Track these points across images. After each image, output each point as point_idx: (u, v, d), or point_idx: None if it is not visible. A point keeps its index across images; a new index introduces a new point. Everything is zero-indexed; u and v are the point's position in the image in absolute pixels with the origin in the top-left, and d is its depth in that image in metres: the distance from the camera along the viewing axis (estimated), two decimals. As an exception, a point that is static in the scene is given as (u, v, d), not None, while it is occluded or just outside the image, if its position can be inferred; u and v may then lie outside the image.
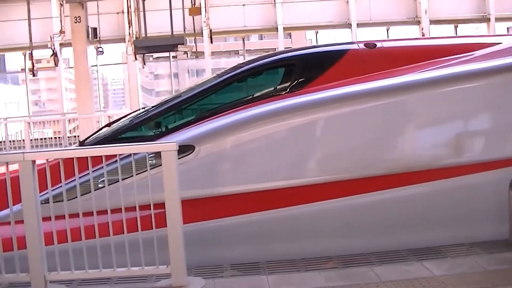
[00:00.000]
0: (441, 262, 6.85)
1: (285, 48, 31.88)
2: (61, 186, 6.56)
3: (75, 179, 6.53)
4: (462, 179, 7.78)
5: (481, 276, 6.25)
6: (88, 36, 27.15)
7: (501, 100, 8.06)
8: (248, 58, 22.17)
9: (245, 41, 34.90)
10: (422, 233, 7.72)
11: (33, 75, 30.29)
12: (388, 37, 30.81)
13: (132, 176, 6.64)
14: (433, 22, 32.17)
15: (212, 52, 33.89)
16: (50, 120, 30.36)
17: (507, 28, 33.74)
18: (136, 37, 27.80)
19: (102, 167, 6.53)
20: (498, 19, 31.96)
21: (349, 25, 32.33)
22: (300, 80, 8.54)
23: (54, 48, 29.65)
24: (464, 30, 32.85)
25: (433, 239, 7.61)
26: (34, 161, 6.32)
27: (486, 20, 32.40)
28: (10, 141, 25.73)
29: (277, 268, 7.08)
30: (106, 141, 8.34)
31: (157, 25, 27.67)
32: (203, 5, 29.88)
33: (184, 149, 7.47)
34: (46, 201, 6.57)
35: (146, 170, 6.66)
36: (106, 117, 26.50)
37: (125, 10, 30.06)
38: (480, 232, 7.65)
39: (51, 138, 27.38)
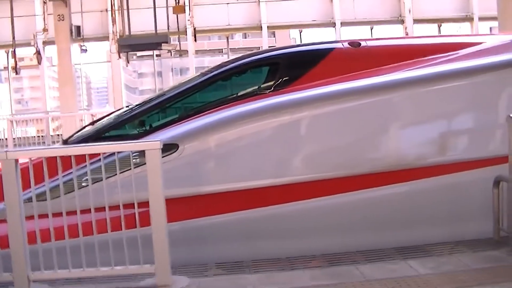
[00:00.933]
0: (426, 260, 6.84)
1: (269, 46, 31.90)
2: (44, 185, 6.52)
3: (58, 178, 6.48)
4: (447, 178, 7.79)
5: (466, 274, 6.26)
6: (71, 34, 27.15)
7: (485, 99, 8.09)
8: (232, 56, 22.18)
9: (229, 40, 34.97)
10: (407, 231, 7.72)
11: (16, 73, 30.20)
12: (372, 36, 30.86)
13: (116, 174, 6.61)
14: (417, 21, 32.31)
15: (196, 50, 33.93)
16: (33, 118, 30.29)
17: (490, 28, 33.83)
18: (119, 36, 27.81)
19: (86, 165, 6.49)
20: (481, 19, 32.11)
21: (333, 24, 32.42)
22: (284, 78, 8.53)
23: (37, 46, 29.54)
24: (447, 30, 32.97)
25: (418, 237, 7.61)
26: (17, 160, 6.26)
27: (470, 19, 32.58)
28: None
29: (262, 267, 7.06)
30: (89, 139, 8.30)
31: (141, 23, 27.68)
32: (187, 3, 29.90)
33: (168, 147, 7.44)
34: (30, 200, 6.52)
35: (130, 169, 6.62)
36: (89, 115, 26.49)
37: (109, 8, 30.08)
38: (465, 231, 7.67)
39: (34, 136, 27.30)
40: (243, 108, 8.01)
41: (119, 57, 28.84)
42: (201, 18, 30.93)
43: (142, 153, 6.60)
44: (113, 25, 29.37)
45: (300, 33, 33.67)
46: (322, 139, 7.96)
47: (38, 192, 6.61)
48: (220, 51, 44.17)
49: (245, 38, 59.48)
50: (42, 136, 27.35)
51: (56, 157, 6.45)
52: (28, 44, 29.92)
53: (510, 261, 6.66)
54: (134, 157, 6.92)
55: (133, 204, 6.34)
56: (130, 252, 6.33)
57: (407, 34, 31.29)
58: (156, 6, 27.03)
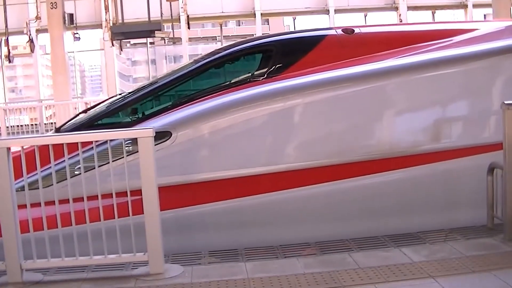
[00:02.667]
0: (419, 248, 6.83)
1: (262, 34, 31.84)
2: (36, 173, 6.48)
3: (51, 166, 6.45)
4: (441, 165, 7.80)
5: (459, 262, 6.25)
6: (64, 22, 27.04)
7: (480, 86, 8.09)
8: (226, 44, 22.17)
9: (222, 27, 34.88)
10: (401, 219, 7.72)
11: (9, 62, 30.12)
12: (366, 23, 30.82)
13: (109, 162, 6.58)
14: (411, 8, 32.32)
15: (189, 38, 33.89)
16: (27, 107, 30.19)
17: (484, 15, 33.85)
18: (113, 23, 27.71)
19: (78, 154, 6.46)
20: (475, 6, 32.17)
21: (327, 11, 32.40)
22: (278, 65, 8.51)
23: (30, 34, 29.43)
24: (441, 17, 32.95)
25: (411, 225, 7.61)
26: (9, 148, 6.22)
27: (464, 6, 32.61)
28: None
29: (255, 255, 7.05)
30: (82, 127, 8.28)
31: (134, 11, 27.63)
32: (180, -10, 29.78)
33: (161, 135, 7.43)
34: (22, 188, 6.49)
35: (123, 157, 6.59)
36: (83, 103, 26.41)
37: (102, -4, 29.95)
38: (459, 218, 7.67)
39: (28, 125, 27.24)
40: (236, 96, 7.99)
41: (113, 44, 28.75)
42: (194, 5, 30.85)
43: (134, 141, 6.58)
44: (106, 12, 29.29)
45: (293, 20, 33.63)
46: (315, 126, 7.95)
47: (30, 180, 6.58)
48: (213, 38, 44.06)
49: (239, 25, 59.35)
50: (35, 124, 27.29)
51: (48, 145, 6.41)
52: (21, 32, 29.79)
53: (503, 248, 6.65)
54: (126, 145, 6.89)
55: (126, 192, 6.32)
56: (123, 240, 6.31)
57: (401, 21, 31.26)
58: (149, -7, 26.99)
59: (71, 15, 27.72)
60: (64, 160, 6.44)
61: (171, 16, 29.44)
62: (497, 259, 6.28)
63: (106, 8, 29.18)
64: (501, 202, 7.16)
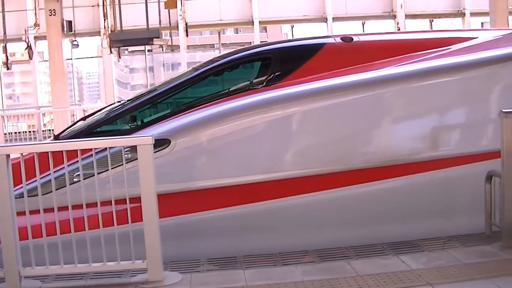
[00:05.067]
0: (418, 255, 6.85)
1: (260, 42, 31.87)
2: (35, 180, 6.49)
3: (50, 174, 6.46)
4: (440, 173, 7.81)
5: (458, 269, 6.26)
6: (63, 29, 27.07)
7: (478, 94, 8.11)
8: (224, 51, 22.17)
9: (220, 35, 34.91)
10: (399, 226, 7.73)
11: (7, 69, 30.05)
12: (364, 31, 30.87)
13: (108, 170, 6.59)
14: (409, 16, 32.34)
15: (187, 45, 33.84)
16: (25, 113, 30.24)
17: (482, 23, 33.90)
18: (111, 31, 27.73)
19: (78, 161, 6.47)
20: (473, 14, 32.19)
21: (325, 19, 32.40)
22: (276, 73, 8.52)
23: (29, 41, 29.39)
24: (439, 25, 32.99)
25: (410, 232, 7.62)
26: (8, 155, 6.24)
27: (461, 14, 32.61)
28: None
29: (254, 262, 7.06)
30: (81, 135, 8.28)
31: (133, 18, 27.62)
32: (178, -2, 29.80)
33: (160, 143, 7.44)
34: (21, 195, 6.50)
35: (122, 164, 6.60)
36: (81, 110, 26.43)
37: (100, 3, 30.01)
38: (457, 226, 7.68)
39: (26, 132, 27.25)
40: (235, 104, 8.00)
41: (111, 52, 28.77)
42: (192, 13, 30.85)
43: (134, 149, 6.59)
44: (104, 20, 29.28)
45: (291, 28, 33.65)
46: (314, 134, 7.96)
47: (30, 187, 6.59)
48: (211, 46, 44.12)
49: (237, 33, 59.41)
50: (33, 131, 27.30)
51: (47, 152, 6.42)
52: (19, 39, 29.76)
53: (502, 256, 6.67)
54: (126, 153, 6.90)
55: (125, 199, 6.33)
56: (122, 247, 6.31)
57: (399, 29, 31.29)
58: (147, 1, 27.00)
59: (69, 22, 27.75)
60: (63, 167, 6.46)
61: (170, 24, 29.42)
62: (496, 267, 6.30)
63: (105, 15, 29.18)
64: (499, 210, 7.17)
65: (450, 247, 7.11)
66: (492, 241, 7.17)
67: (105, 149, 6.60)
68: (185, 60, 32.90)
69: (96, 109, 10.48)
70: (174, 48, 32.13)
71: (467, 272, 6.17)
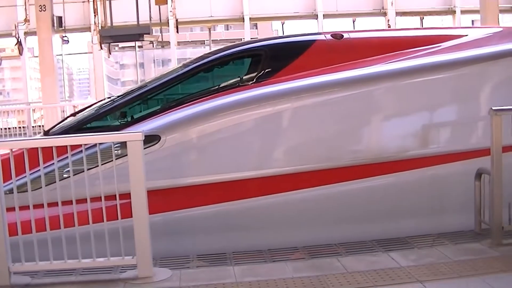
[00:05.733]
0: (407, 253, 6.87)
1: (251, 38, 31.85)
2: (25, 176, 6.47)
3: (39, 169, 6.44)
4: (429, 170, 7.83)
5: (447, 266, 6.28)
6: (53, 25, 26.98)
7: (468, 92, 8.12)
8: (214, 48, 22.18)
9: (211, 31, 34.83)
10: (389, 223, 7.74)
11: (-2, 64, 29.97)
12: (354, 29, 30.87)
13: (98, 166, 6.58)
14: (399, 13, 32.34)
15: (178, 42, 33.82)
16: (15, 109, 30.13)
17: (472, 21, 33.96)
18: (101, 26, 27.65)
19: (67, 157, 6.45)
20: (463, 12, 32.25)
21: (315, 16, 32.37)
22: (266, 70, 8.52)
23: (19, 37, 29.33)
24: (430, 22, 33.03)
25: (399, 230, 7.63)
26: (-3, 151, 6.23)
27: (452, 12, 32.65)
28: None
29: (243, 259, 7.06)
30: (71, 130, 8.26)
31: (123, 14, 27.50)
32: (169, -6, 29.74)
33: (150, 139, 7.43)
34: (10, 191, 6.48)
35: (112, 160, 6.59)
36: (71, 106, 26.38)
37: (91, -1, 29.88)
38: (447, 223, 7.70)
39: (15, 127, 27.17)
40: (225, 100, 8.00)
41: (101, 48, 28.68)
42: (183, 9, 30.81)
43: (123, 145, 6.58)
44: (95, 16, 29.19)
45: (282, 25, 33.62)
46: (304, 131, 7.96)
47: (19, 183, 6.57)
48: (202, 42, 44.06)
49: (227, 29, 59.43)
50: (23, 127, 27.23)
51: (37, 148, 6.40)
52: (9, 35, 29.71)
53: (491, 253, 6.69)
54: (115, 149, 6.90)
55: (115, 195, 6.32)
56: (112, 244, 6.30)
57: (389, 26, 31.32)
58: (138, -3, 26.96)
59: (60, 18, 27.66)
60: (53, 163, 6.44)
61: (160, 20, 29.34)
62: (485, 264, 6.31)
63: (95, 11, 29.09)
64: (489, 207, 7.19)
65: (439, 244, 7.12)
66: (481, 238, 7.19)
67: (95, 145, 6.59)
68: (175, 57, 32.85)
69: (86, 105, 10.46)
70: (164, 44, 32.11)
71: (457, 269, 6.19)
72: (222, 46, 10.16)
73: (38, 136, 10.33)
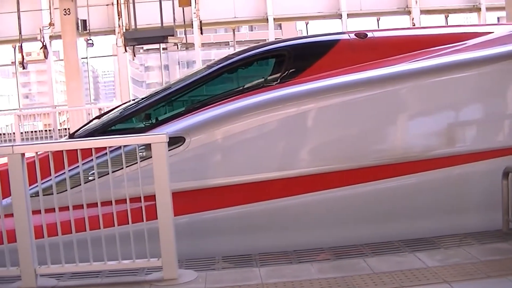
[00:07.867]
0: (434, 253, 6.82)
1: (275, 39, 31.81)
2: (51, 179, 6.50)
3: (65, 172, 6.46)
4: (455, 169, 7.76)
5: (474, 266, 6.23)
6: (77, 28, 27.17)
7: (494, 90, 8.05)
8: (238, 49, 22.18)
9: (235, 32, 34.88)
10: (415, 224, 7.69)
11: (23, 68, 30.12)
12: (378, 27, 30.77)
13: (122, 168, 6.59)
14: (424, 12, 32.21)
15: (202, 43, 33.82)
16: (41, 113, 30.35)
17: (498, 18, 33.71)
18: (126, 29, 27.75)
19: (92, 159, 6.47)
20: (488, 9, 32.03)
21: (339, 16, 32.33)
22: (291, 70, 8.50)
23: (44, 41, 29.48)
24: (454, 20, 32.85)
25: (426, 230, 7.58)
26: (23, 154, 6.25)
27: (477, 9, 32.46)
28: (0, 134, 25.69)
29: (269, 260, 7.05)
30: (96, 133, 8.30)
31: (147, 16, 27.63)
32: (193, -4, 29.79)
33: (175, 140, 7.44)
34: (36, 194, 6.51)
35: (136, 162, 6.60)
36: (96, 109, 26.52)
37: (115, 2, 30.04)
38: (473, 223, 7.64)
39: (42, 131, 27.37)
40: (250, 101, 7.99)
41: (126, 50, 28.79)
42: (207, 10, 30.84)
43: (148, 147, 6.59)
44: (119, 18, 29.31)
45: (306, 25, 33.59)
46: (329, 131, 7.93)
47: (45, 186, 6.60)
48: (226, 43, 44.09)
49: (251, 30, 59.45)
50: (49, 130, 27.41)
51: (62, 151, 6.43)
52: (34, 39, 29.83)
53: (519, 253, 6.64)
54: (140, 151, 6.91)
55: (140, 198, 6.33)
56: (137, 246, 6.32)
57: (413, 25, 31.19)
58: (162, -1, 27.02)
59: (84, 21, 27.83)
60: (78, 166, 6.46)
61: (184, 22, 29.40)
62: (512, 264, 6.26)
63: (119, 14, 29.22)
64: (516, 207, 7.13)
65: (466, 244, 7.06)
66: (508, 238, 7.13)
67: (120, 147, 6.60)
68: (200, 58, 32.92)
69: (111, 108, 10.50)
70: (188, 46, 32.15)
71: (484, 269, 6.14)
72: (246, 47, 10.15)
73: (63, 139, 10.38)
